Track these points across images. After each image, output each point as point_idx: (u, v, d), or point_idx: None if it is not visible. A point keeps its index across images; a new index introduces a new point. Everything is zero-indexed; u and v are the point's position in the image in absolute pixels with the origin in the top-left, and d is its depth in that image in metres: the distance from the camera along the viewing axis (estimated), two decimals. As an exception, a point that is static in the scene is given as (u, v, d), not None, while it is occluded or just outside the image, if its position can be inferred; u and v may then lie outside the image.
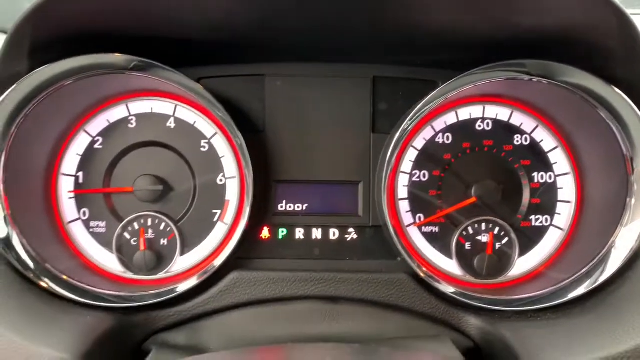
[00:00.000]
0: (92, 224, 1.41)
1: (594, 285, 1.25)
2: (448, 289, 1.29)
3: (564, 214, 1.41)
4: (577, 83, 1.25)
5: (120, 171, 1.41)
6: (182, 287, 1.31)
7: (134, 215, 1.39)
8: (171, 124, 1.42)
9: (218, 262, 1.33)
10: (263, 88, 1.42)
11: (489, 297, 1.31)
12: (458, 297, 1.29)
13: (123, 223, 1.39)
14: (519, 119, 1.42)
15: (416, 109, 1.31)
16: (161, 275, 1.39)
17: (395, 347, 1.23)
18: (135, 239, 1.40)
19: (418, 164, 1.42)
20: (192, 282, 1.31)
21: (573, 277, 1.29)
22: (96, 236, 1.41)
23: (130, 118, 1.41)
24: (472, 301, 1.29)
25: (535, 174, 1.42)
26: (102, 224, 1.41)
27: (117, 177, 1.41)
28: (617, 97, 1.22)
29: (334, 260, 1.41)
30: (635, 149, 1.24)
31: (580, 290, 1.26)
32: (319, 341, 1.29)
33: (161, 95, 1.41)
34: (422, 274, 1.30)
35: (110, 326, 1.21)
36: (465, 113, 1.43)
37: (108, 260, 1.40)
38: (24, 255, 1.25)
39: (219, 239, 1.40)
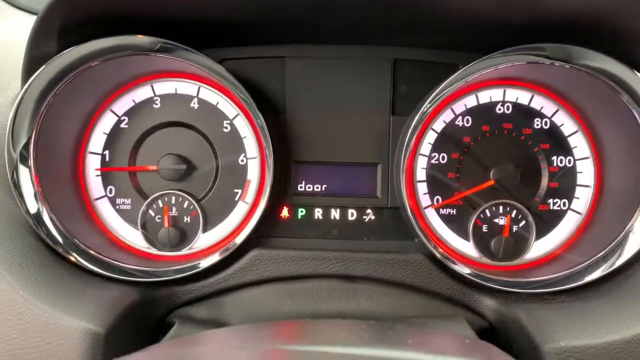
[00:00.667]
0: (117, 201, 1.45)
1: (610, 269, 1.26)
2: (464, 270, 1.31)
3: (583, 198, 1.42)
4: (599, 67, 1.24)
5: (145, 150, 1.45)
6: (204, 263, 1.35)
7: (159, 193, 1.44)
8: (195, 104, 1.45)
9: (239, 239, 1.36)
10: (284, 70, 1.44)
11: (505, 279, 1.33)
12: (474, 279, 1.31)
13: (148, 201, 1.43)
14: (540, 103, 1.42)
15: (436, 92, 1.32)
16: (184, 251, 1.43)
17: (410, 325, 1.25)
18: (159, 216, 1.44)
19: (437, 147, 1.43)
20: (214, 258, 1.35)
21: (590, 261, 1.30)
22: (122, 213, 1.45)
23: (155, 98, 1.45)
24: (487, 282, 1.31)
25: (554, 157, 1.42)
26: (128, 201, 1.45)
27: (142, 156, 1.45)
28: (639, 81, 1.22)
29: (351, 240, 1.43)
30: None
31: (597, 273, 1.27)
32: (336, 318, 1.32)
33: (185, 77, 1.44)
34: (438, 255, 1.32)
35: (135, 299, 1.26)
36: (486, 96, 1.43)
37: (133, 237, 1.45)
38: (54, 231, 1.30)
39: (240, 217, 1.44)
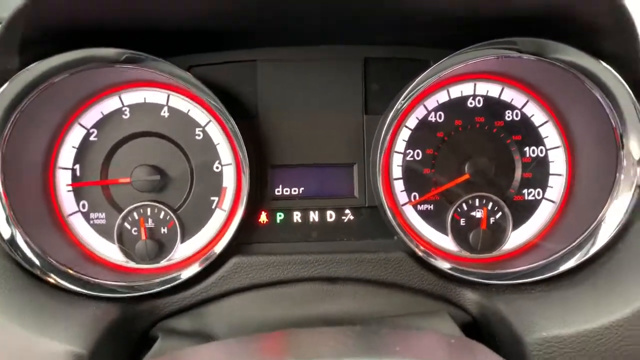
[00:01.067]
0: (92, 215, 1.42)
1: (585, 258, 1.29)
2: (444, 265, 1.33)
3: (556, 187, 1.44)
4: (568, 60, 1.26)
5: (117, 162, 1.42)
6: (185, 274, 1.33)
7: (133, 206, 1.41)
8: (165, 113, 1.42)
9: (218, 248, 1.35)
10: (255, 73, 1.42)
11: (484, 272, 1.34)
12: (454, 273, 1.32)
13: (123, 214, 1.41)
14: (510, 95, 1.44)
15: (408, 89, 1.32)
16: (163, 263, 1.41)
17: (395, 326, 1.26)
18: (135, 228, 1.41)
19: (411, 144, 1.43)
20: (194, 268, 1.34)
21: (565, 250, 1.33)
22: (97, 227, 1.42)
23: (123, 109, 1.42)
24: (468, 276, 1.33)
25: (526, 148, 1.44)
26: (102, 215, 1.42)
27: (114, 169, 1.42)
28: (607, 73, 1.24)
29: (331, 241, 1.43)
30: (625, 125, 1.26)
31: (572, 262, 1.30)
32: (321, 321, 1.32)
33: (154, 85, 1.41)
34: (419, 252, 1.33)
35: (116, 316, 1.24)
36: (457, 91, 1.44)
37: (110, 251, 1.42)
38: (29, 253, 1.26)
39: (218, 225, 1.42)
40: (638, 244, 1.24)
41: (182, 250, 1.43)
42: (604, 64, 1.24)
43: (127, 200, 1.42)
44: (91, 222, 1.42)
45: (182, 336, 1.29)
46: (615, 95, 1.24)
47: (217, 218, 1.43)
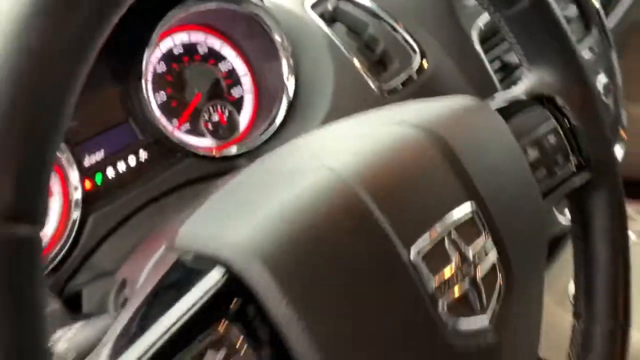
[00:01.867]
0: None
1: (284, 112, 2.15)
2: (234, 150, 2.02)
3: (247, 84, 2.25)
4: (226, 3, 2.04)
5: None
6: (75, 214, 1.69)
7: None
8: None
9: (75, 209, 1.72)
10: None
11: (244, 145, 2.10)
12: (242, 152, 2.03)
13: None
14: (198, 37, 2.14)
15: (133, 58, 1.88)
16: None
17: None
18: None
19: (157, 89, 2.01)
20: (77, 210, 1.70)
21: (274, 112, 2.18)
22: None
23: None
24: (240, 151, 2.06)
25: (222, 67, 2.19)
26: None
27: None
28: (254, 6, 2.07)
29: (146, 173, 1.92)
30: (271, 31, 2.11)
31: (280, 117, 2.15)
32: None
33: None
34: (215, 154, 1.98)
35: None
36: (164, 46, 2.06)
37: None
38: None
39: (58, 205, 1.76)
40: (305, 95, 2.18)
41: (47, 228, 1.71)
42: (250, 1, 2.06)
43: None
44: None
45: (96, 280, 1.67)
46: (263, 18, 2.11)
47: (56, 200, 1.76)
